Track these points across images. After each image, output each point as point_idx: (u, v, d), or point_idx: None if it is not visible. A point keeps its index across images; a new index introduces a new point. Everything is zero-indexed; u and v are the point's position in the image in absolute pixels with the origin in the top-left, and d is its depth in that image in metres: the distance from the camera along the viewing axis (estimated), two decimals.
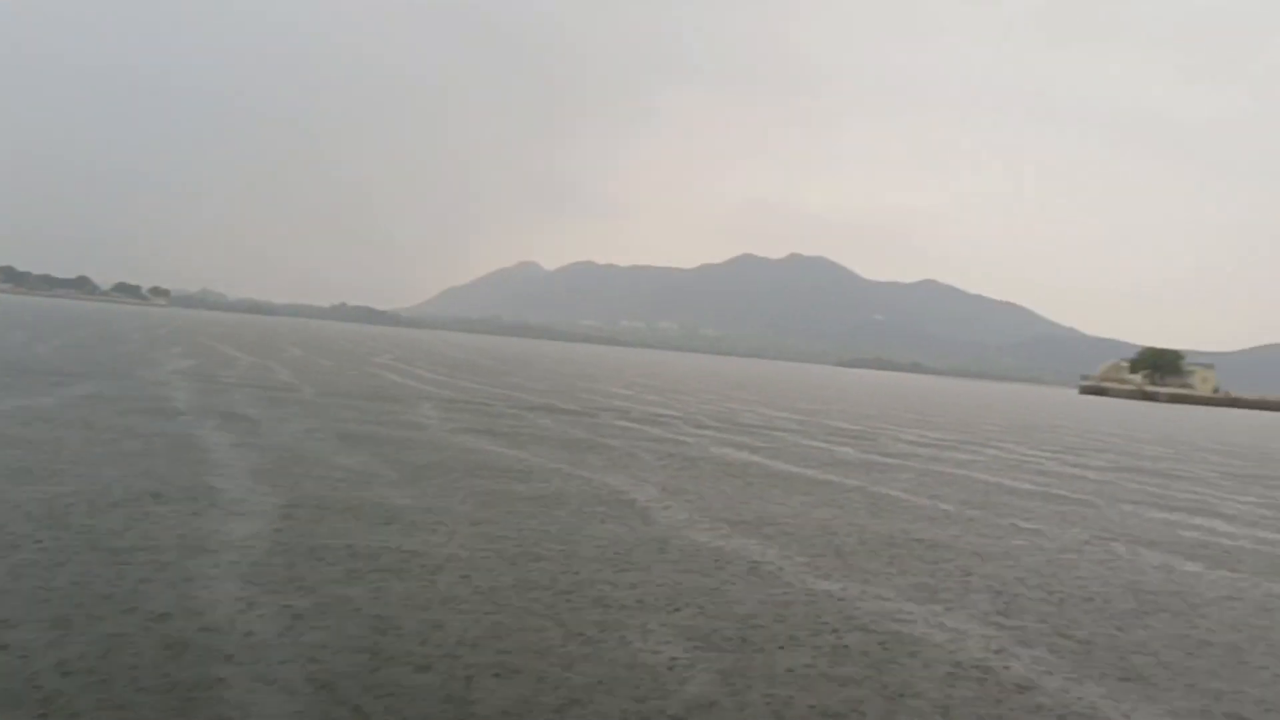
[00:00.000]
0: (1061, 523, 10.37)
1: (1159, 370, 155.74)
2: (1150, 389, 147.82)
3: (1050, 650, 5.35)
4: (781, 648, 5.04)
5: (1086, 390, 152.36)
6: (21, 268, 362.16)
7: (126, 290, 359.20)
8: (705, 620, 5.38)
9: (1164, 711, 4.62)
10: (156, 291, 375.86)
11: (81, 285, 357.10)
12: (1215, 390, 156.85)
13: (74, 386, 16.49)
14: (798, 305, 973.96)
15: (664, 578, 6.32)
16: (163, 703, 3.77)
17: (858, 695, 4.44)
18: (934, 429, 25.24)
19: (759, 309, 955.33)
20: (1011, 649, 5.32)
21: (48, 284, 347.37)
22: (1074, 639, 5.65)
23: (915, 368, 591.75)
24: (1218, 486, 16.20)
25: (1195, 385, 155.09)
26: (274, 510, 7.54)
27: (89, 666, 4.04)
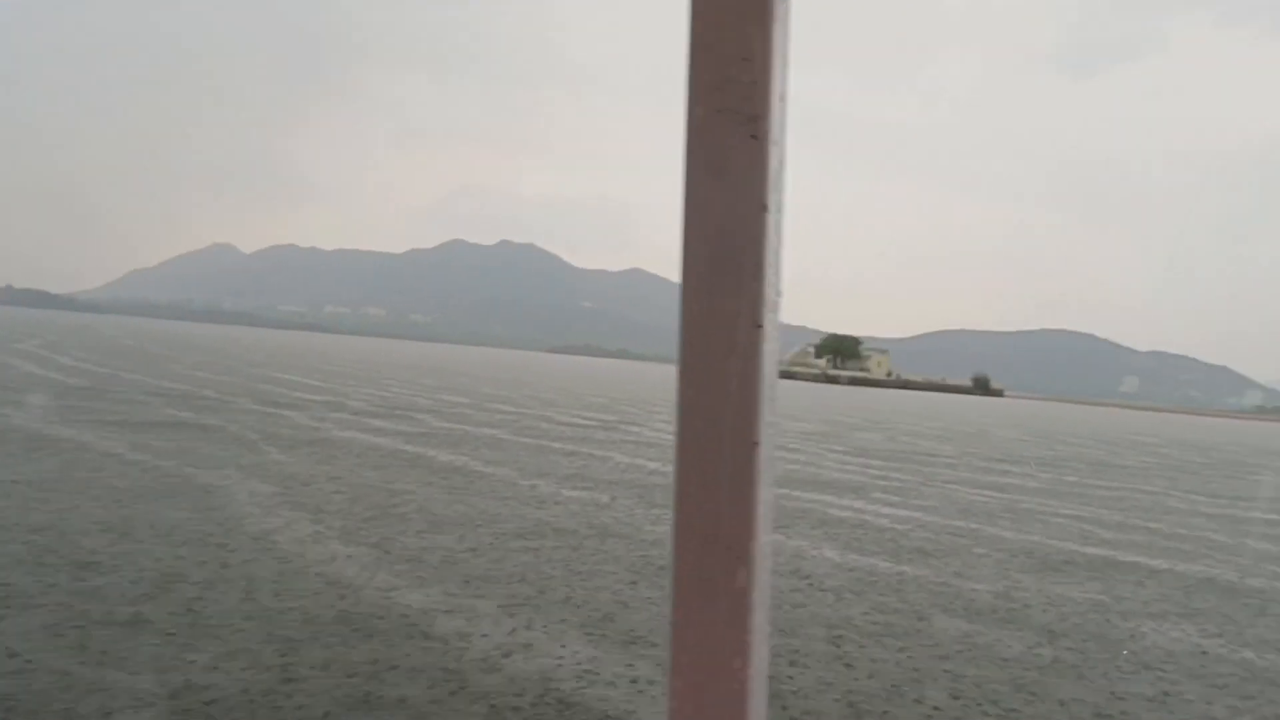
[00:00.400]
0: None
1: (840, 355, 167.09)
2: (833, 372, 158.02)
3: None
4: None
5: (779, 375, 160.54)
6: None
7: None
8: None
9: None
10: None
11: None
12: (889, 373, 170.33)
13: None
14: (508, 292, 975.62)
15: None
16: None
17: None
18: (593, 410, 24.14)
19: (470, 295, 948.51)
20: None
21: None
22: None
23: (623, 354, 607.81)
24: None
25: (872, 369, 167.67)
26: None
27: None
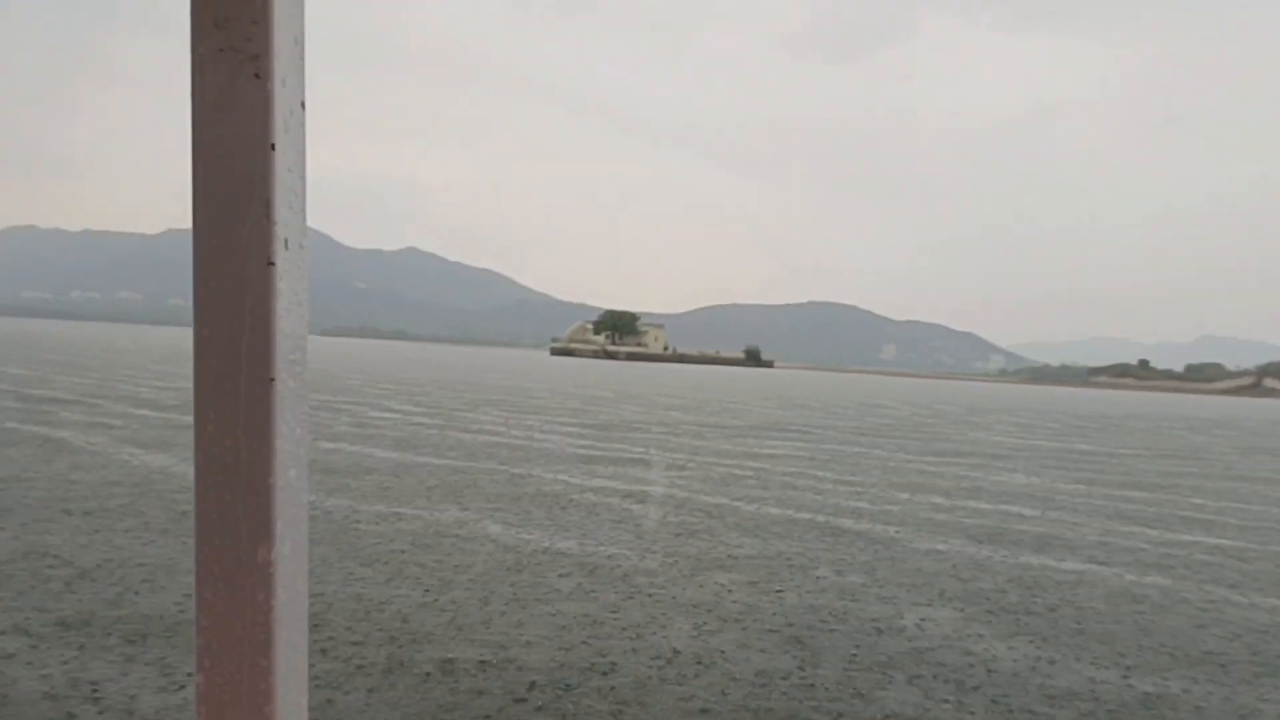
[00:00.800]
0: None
1: (618, 331, 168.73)
2: (611, 348, 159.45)
3: None
4: None
5: (557, 351, 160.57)
6: None
7: None
8: None
9: None
10: None
11: None
12: (666, 348, 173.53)
13: None
14: None
15: None
16: None
17: None
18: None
19: None
20: None
21: None
22: None
23: (400, 335, 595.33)
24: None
25: (649, 344, 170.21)
26: None
27: None
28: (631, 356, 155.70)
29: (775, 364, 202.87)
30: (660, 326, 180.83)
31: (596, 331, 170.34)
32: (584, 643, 4.19)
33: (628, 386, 41.77)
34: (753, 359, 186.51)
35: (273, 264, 1.02)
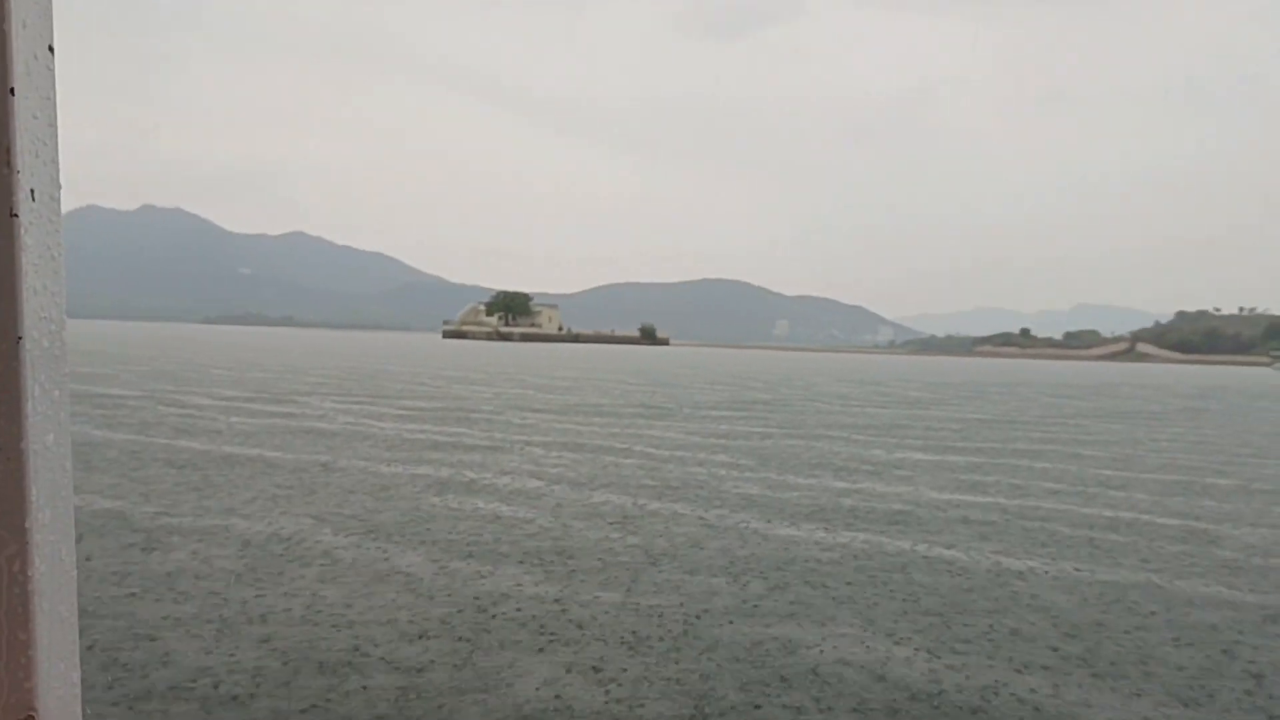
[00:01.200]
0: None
1: (512, 312, 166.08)
2: (505, 330, 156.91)
3: None
4: None
5: (449, 334, 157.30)
6: None
7: None
8: None
9: None
10: None
11: None
12: (561, 328, 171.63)
13: None
14: (155, 260, 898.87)
15: None
16: None
17: None
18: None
19: (109, 265, 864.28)
20: None
21: None
22: None
23: (288, 321, 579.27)
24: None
25: (543, 324, 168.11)
26: None
27: None
28: (525, 337, 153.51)
29: (671, 341, 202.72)
30: (554, 307, 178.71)
31: (489, 313, 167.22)
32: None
33: (507, 368, 40.47)
34: (648, 337, 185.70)
35: (15, 215, 0.97)
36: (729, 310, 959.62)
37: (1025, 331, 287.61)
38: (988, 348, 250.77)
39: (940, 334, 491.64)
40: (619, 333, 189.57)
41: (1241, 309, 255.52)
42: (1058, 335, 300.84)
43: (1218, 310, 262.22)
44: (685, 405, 21.78)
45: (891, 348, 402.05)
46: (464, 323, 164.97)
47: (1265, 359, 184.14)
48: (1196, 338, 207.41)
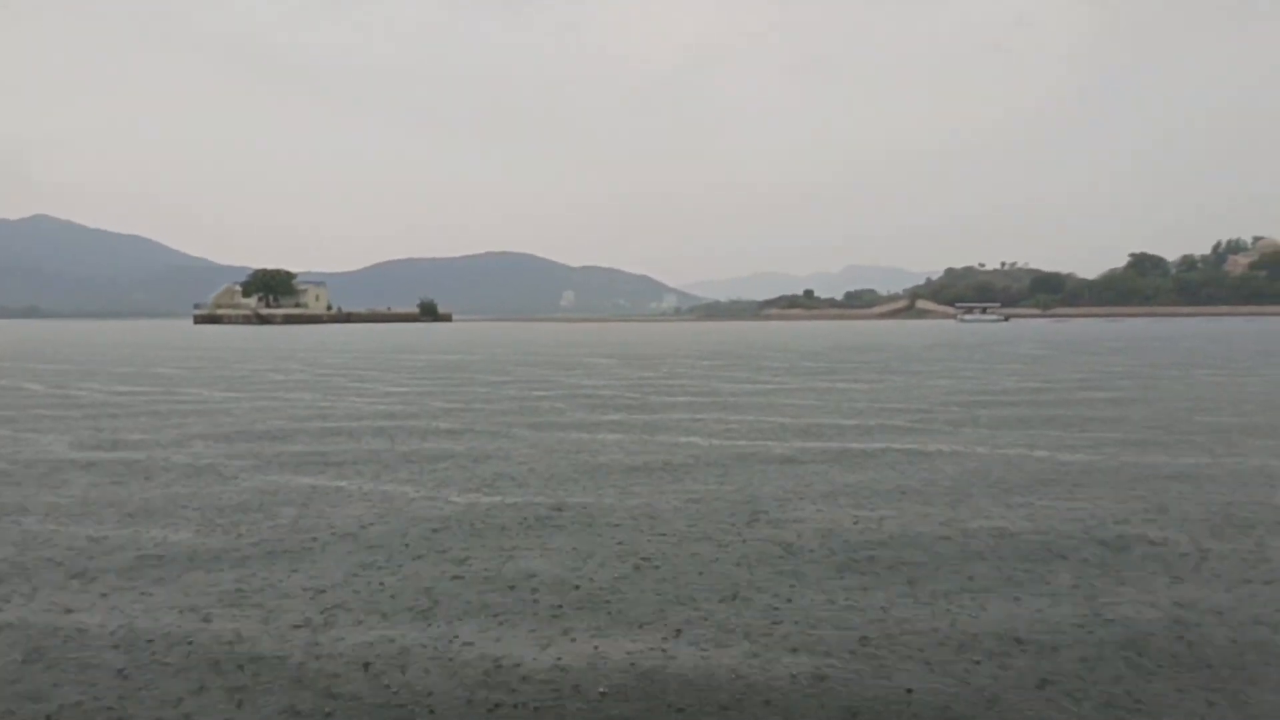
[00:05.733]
0: None
1: (273, 292, 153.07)
2: (265, 311, 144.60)
3: None
4: None
5: (202, 319, 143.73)
6: None
7: None
8: None
9: None
10: None
11: None
12: (330, 307, 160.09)
13: None
14: None
15: None
16: None
17: None
18: None
19: None
20: None
21: None
22: None
23: (32, 312, 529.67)
24: None
25: (309, 304, 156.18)
26: None
27: None
28: (289, 319, 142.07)
29: (454, 317, 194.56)
30: (321, 285, 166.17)
31: (246, 294, 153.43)
32: None
33: (227, 355, 34.70)
34: (428, 313, 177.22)
35: None
36: (515, 283, 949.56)
37: (809, 293, 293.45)
38: (774, 310, 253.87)
39: (723, 299, 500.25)
40: (396, 310, 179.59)
41: (1004, 263, 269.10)
42: (834, 295, 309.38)
43: (983, 266, 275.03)
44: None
45: (677, 314, 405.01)
46: (218, 305, 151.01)
47: (1036, 310, 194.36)
48: (970, 293, 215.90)
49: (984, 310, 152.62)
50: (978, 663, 4.88)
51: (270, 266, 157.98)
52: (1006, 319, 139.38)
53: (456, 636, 5.21)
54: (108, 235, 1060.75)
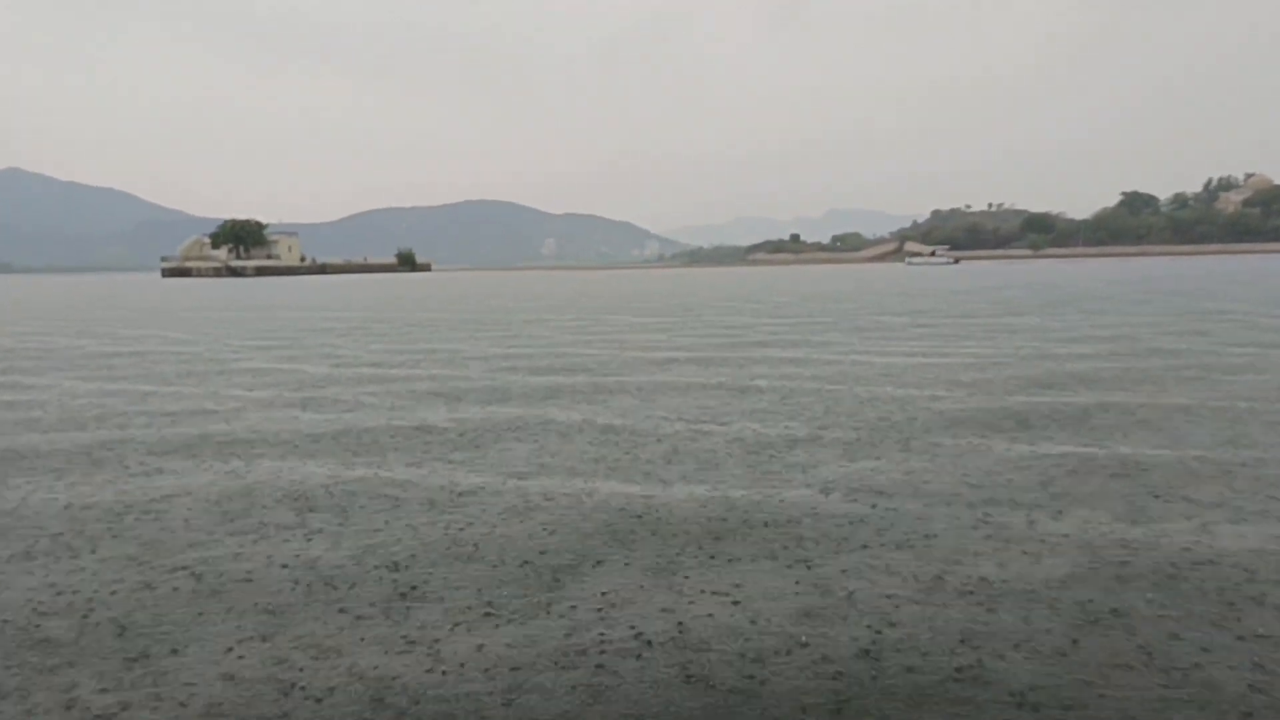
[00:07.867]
0: None
1: (243, 243, 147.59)
2: (236, 264, 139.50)
3: None
4: None
5: (170, 273, 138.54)
6: None
7: None
8: None
9: None
10: None
11: None
12: (303, 259, 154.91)
13: None
14: None
15: None
16: None
17: None
18: None
19: None
20: None
21: None
22: None
23: (4, 269, 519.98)
24: None
25: (282, 255, 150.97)
26: None
27: None
28: (261, 271, 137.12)
29: (433, 267, 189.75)
30: (293, 235, 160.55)
31: (215, 245, 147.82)
32: None
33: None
34: (407, 264, 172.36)
35: None
36: (495, 231, 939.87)
37: (795, 237, 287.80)
38: (760, 255, 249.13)
39: (707, 245, 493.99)
40: (373, 260, 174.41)
41: (990, 205, 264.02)
42: (815, 239, 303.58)
43: (969, 208, 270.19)
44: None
45: (660, 261, 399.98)
46: (187, 258, 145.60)
47: (1028, 251, 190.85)
48: (960, 235, 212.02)
49: (932, 253, 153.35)
50: None
51: (243, 217, 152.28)
52: (956, 261, 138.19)
53: None
54: (81, 188, 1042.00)
